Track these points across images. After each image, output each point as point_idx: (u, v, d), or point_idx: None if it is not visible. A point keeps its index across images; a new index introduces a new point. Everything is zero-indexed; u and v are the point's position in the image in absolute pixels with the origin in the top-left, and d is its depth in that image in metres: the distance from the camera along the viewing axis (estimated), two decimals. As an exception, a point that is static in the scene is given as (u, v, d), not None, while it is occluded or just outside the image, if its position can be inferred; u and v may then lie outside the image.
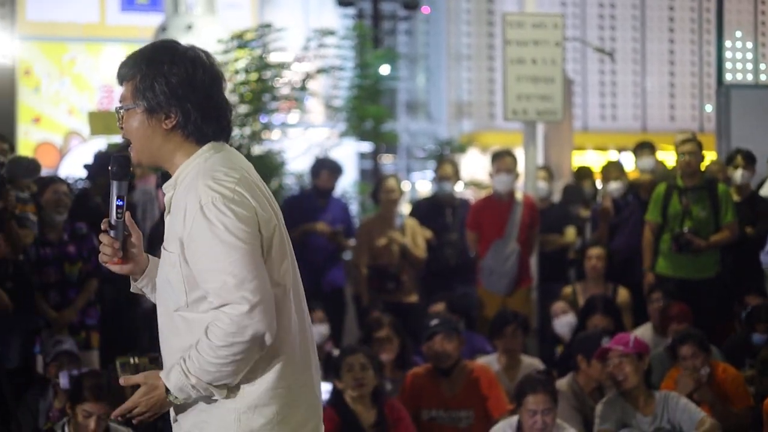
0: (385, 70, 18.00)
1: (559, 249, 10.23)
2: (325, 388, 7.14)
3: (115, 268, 3.37)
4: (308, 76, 14.82)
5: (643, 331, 8.18)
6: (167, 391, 3.14)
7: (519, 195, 9.41)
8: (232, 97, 14.48)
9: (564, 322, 8.50)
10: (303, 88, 14.90)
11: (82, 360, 6.82)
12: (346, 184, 16.56)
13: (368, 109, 16.03)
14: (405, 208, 11.68)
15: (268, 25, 14.91)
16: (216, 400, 3.14)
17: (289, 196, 13.11)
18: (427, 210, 9.95)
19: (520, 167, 9.61)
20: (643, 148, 10.62)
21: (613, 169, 9.97)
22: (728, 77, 13.67)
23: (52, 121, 22.57)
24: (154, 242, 3.78)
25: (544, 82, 10.04)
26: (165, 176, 3.36)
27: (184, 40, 11.95)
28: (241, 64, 14.68)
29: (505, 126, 18.77)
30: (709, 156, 10.25)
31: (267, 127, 15.03)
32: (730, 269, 8.90)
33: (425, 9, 27.45)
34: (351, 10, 23.83)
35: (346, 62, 16.00)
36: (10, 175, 6.69)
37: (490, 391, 6.94)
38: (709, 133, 19.60)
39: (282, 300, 3.16)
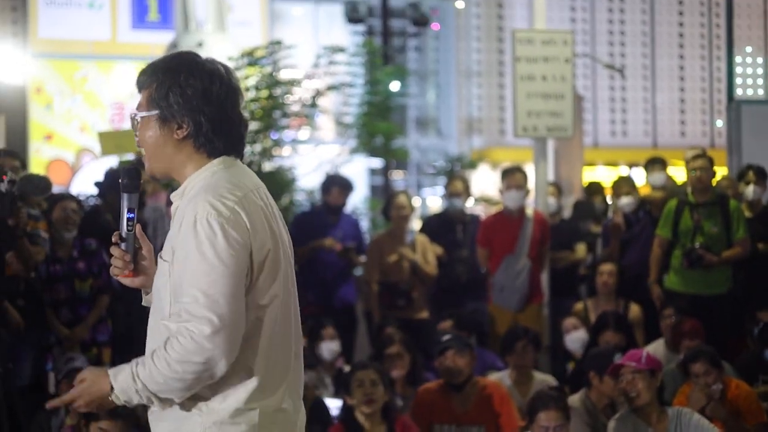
0: (395, 86, 18.00)
1: (570, 265, 10.21)
2: (336, 404, 7.15)
3: (126, 281, 3.37)
4: (318, 93, 14.84)
5: (656, 348, 8.15)
6: (112, 389, 3.11)
7: (530, 211, 9.41)
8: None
9: (575, 338, 8.49)
10: (313, 105, 14.91)
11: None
12: (357, 200, 16.55)
13: (378, 126, 16.03)
14: (416, 225, 11.66)
15: (279, 42, 14.94)
16: (186, 413, 3.12)
17: (300, 212, 13.11)
18: (438, 226, 9.95)
19: (531, 183, 9.61)
20: (654, 163, 10.61)
21: (624, 185, 9.96)
22: (739, 92, 13.67)
23: (63, 139, 22.62)
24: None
25: (554, 99, 10.04)
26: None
27: (195, 57, 11.74)
28: (252, 82, 14.71)
29: (516, 142, 18.77)
30: (720, 172, 10.24)
31: (277, 143, 15.05)
32: (742, 285, 8.88)
33: (435, 26, 27.48)
34: (361, 27, 23.86)
35: (356, 79, 16.01)
36: (21, 192, 6.70)
37: (502, 407, 6.93)
38: (719, 149, 19.60)
39: (264, 323, 3.14)
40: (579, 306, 9.22)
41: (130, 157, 9.87)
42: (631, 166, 24.30)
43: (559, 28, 20.63)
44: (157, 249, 3.30)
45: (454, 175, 12.35)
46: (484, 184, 23.18)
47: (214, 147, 3.22)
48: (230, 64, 13.21)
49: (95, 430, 5.58)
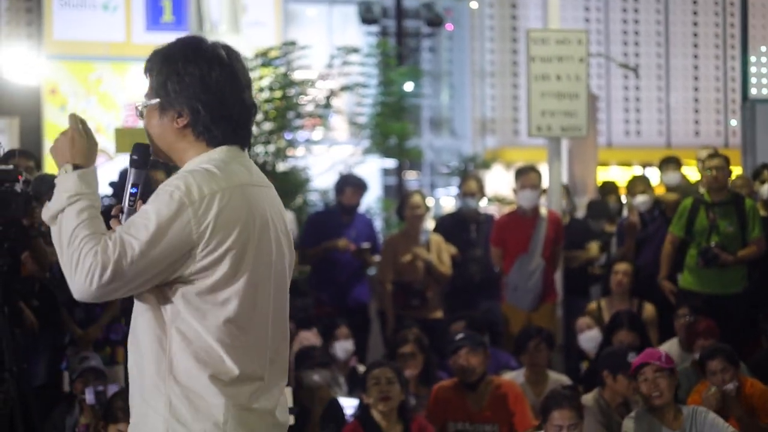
0: (409, 87, 18.01)
1: (583, 264, 10.20)
2: (350, 403, 7.17)
3: None
4: (332, 94, 14.86)
5: (669, 347, 8.14)
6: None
7: (543, 210, 9.40)
8: (257, 115, 14.55)
9: (589, 338, 8.48)
10: (327, 106, 14.94)
11: (108, 375, 6.84)
12: (370, 200, 16.56)
13: (392, 126, 16.04)
14: (430, 224, 11.66)
15: (293, 43, 14.97)
16: (153, 407, 3.11)
17: (314, 212, 13.14)
18: (452, 226, 9.95)
19: (545, 183, 9.60)
20: (669, 163, 10.60)
21: (639, 184, 9.93)
22: (753, 92, 13.64)
23: (78, 140, 22.66)
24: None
25: (568, 98, 10.02)
26: None
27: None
28: (266, 82, 14.73)
29: (529, 142, 18.75)
30: (735, 171, 10.22)
31: (291, 144, 15.08)
32: (757, 284, 8.86)
33: (449, 26, 27.47)
34: (375, 28, 23.89)
35: (370, 79, 16.02)
36: (35, 192, 6.72)
37: (516, 406, 6.94)
38: (734, 148, 19.56)
39: (221, 317, 3.08)
40: (593, 305, 9.21)
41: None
42: (644, 165, 24.27)
43: (574, 28, 20.61)
44: None
45: (468, 174, 12.34)
46: (498, 184, 23.16)
47: (213, 136, 3.17)
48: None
49: (114, 432, 5.59)
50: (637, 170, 24.05)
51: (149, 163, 3.29)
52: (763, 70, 13.90)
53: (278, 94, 14.63)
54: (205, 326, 3.06)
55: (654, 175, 11.47)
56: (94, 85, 22.45)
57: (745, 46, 14.21)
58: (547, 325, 8.82)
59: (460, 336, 7.17)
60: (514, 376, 7.62)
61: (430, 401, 7.08)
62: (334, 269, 9.74)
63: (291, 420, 5.76)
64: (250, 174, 3.19)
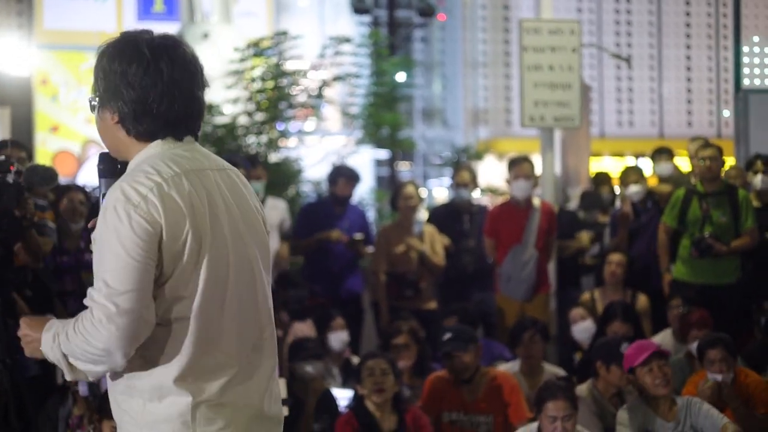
0: (401, 77, 17.97)
1: (575, 254, 10.20)
2: (343, 395, 7.17)
3: None
4: (324, 84, 14.82)
5: (663, 338, 8.15)
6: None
7: (536, 201, 9.39)
8: (248, 106, 14.53)
9: (582, 329, 8.48)
10: (319, 96, 14.90)
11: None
12: (363, 191, 16.53)
13: (384, 117, 16.00)
14: (423, 215, 11.65)
15: (285, 33, 14.92)
16: (126, 410, 3.09)
17: (307, 203, 13.11)
18: (444, 216, 9.93)
19: (538, 173, 9.59)
20: (661, 153, 10.60)
21: (632, 174, 9.93)
22: (746, 82, 13.63)
23: (69, 130, 22.64)
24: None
25: (561, 89, 10.02)
26: None
27: (200, 48, 12.02)
28: (258, 72, 14.69)
29: (522, 132, 18.76)
30: (728, 162, 10.22)
31: (284, 134, 15.04)
32: (750, 275, 8.86)
33: (441, 16, 27.45)
34: (366, 18, 23.84)
35: (362, 70, 15.98)
36: (27, 183, 6.70)
37: (511, 397, 6.94)
38: (726, 139, 19.57)
39: (187, 313, 3.03)
40: (586, 296, 9.22)
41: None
42: (637, 156, 24.29)
43: (566, 18, 20.60)
44: None
45: (461, 165, 12.33)
46: (491, 174, 23.16)
47: (140, 132, 3.12)
48: (236, 55, 13.22)
49: (108, 428, 5.57)
50: (629, 161, 24.07)
51: (118, 171, 3.23)
52: (756, 60, 13.89)
53: (270, 84, 14.59)
54: (167, 322, 3.02)
55: (646, 165, 11.46)
56: (85, 75, 22.43)
57: (738, 36, 14.20)
58: (540, 315, 8.82)
59: (448, 336, 7.11)
60: (509, 368, 7.61)
61: (424, 392, 7.08)
62: (327, 260, 9.73)
63: (285, 411, 5.77)
64: (194, 160, 3.13)
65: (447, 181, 20.61)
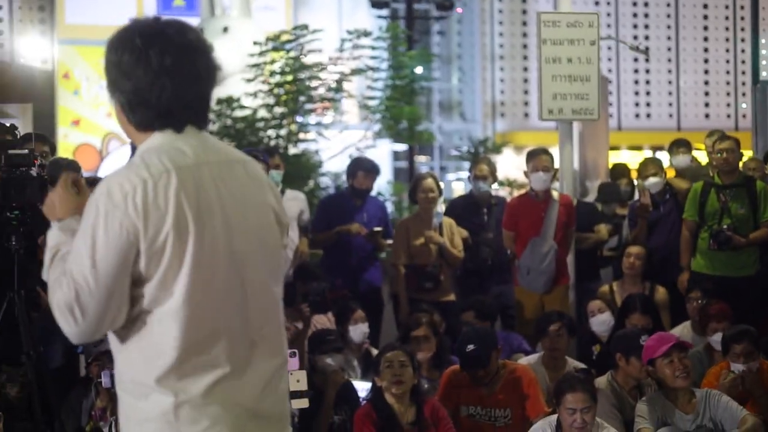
0: (419, 70, 17.99)
1: (593, 247, 10.20)
2: (363, 387, 7.20)
3: None
4: (343, 77, 14.87)
5: (682, 330, 8.17)
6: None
7: (555, 193, 9.39)
8: (268, 99, 14.58)
9: (600, 321, 8.48)
10: (338, 89, 14.95)
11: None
12: (381, 183, 16.58)
13: (403, 110, 16.03)
14: (441, 208, 11.68)
15: (304, 27, 14.97)
16: (123, 408, 3.09)
17: (326, 196, 13.16)
18: (463, 209, 9.94)
19: (556, 166, 9.59)
20: (679, 146, 10.60)
21: (650, 165, 9.94)
22: (764, 74, 13.61)
23: (91, 124, 22.74)
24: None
25: (579, 81, 10.00)
26: None
27: (220, 42, 12.08)
28: (277, 66, 14.75)
29: (540, 125, 18.72)
30: (746, 155, 10.22)
31: (303, 127, 15.10)
32: (768, 267, 8.87)
33: (459, 9, 27.43)
34: (385, 11, 23.86)
35: (380, 63, 16.01)
36: (50, 176, 6.76)
37: (529, 390, 6.94)
38: (744, 131, 19.51)
39: (170, 310, 2.96)
40: (604, 288, 9.22)
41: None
42: (655, 149, 24.24)
43: (584, 11, 20.57)
44: None
45: (480, 158, 12.37)
46: (508, 167, 23.16)
47: (138, 122, 3.07)
48: (255, 49, 13.26)
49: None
50: (647, 153, 24.02)
51: None
52: (774, 52, 13.87)
53: (289, 78, 14.66)
54: (151, 321, 2.98)
55: (664, 158, 11.45)
56: (106, 70, 22.49)
57: (756, 28, 14.17)
58: (559, 308, 8.83)
59: (470, 348, 6.97)
60: (530, 360, 7.63)
61: (441, 386, 7.09)
62: (347, 253, 9.76)
63: (305, 404, 5.82)
64: (189, 154, 3.04)
65: (464, 174, 20.60)
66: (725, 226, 8.61)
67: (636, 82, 27.64)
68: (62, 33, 21.57)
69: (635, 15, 27.56)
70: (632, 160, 19.80)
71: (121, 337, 3.05)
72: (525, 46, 26.98)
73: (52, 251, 3.08)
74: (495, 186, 10.35)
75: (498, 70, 27.45)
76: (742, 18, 27.01)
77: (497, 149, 23.45)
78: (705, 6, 27.73)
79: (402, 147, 22.87)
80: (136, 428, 3.04)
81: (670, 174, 10.53)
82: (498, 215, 9.67)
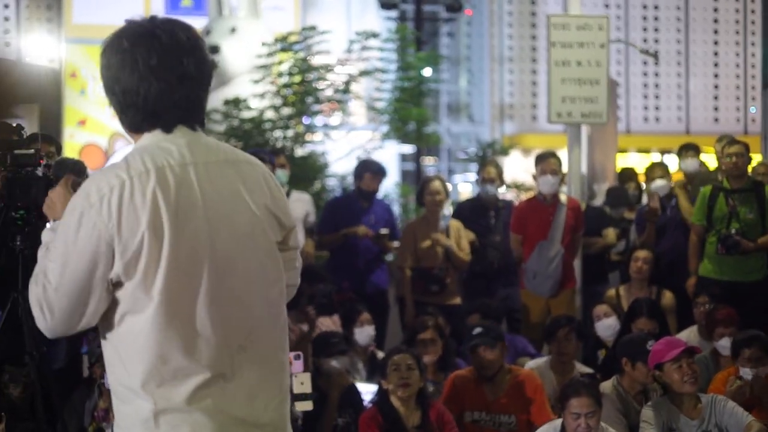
0: (427, 72, 17.97)
1: (601, 251, 10.18)
2: (368, 389, 7.18)
3: None
4: (351, 79, 14.85)
5: (688, 335, 8.13)
6: None
7: (563, 197, 9.37)
8: (275, 100, 14.57)
9: (606, 326, 8.43)
10: (346, 91, 14.94)
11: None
12: (388, 186, 16.56)
13: (410, 111, 16.01)
14: (449, 210, 11.66)
15: (313, 28, 14.97)
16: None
17: (333, 197, 13.15)
18: (470, 212, 9.93)
19: (565, 170, 9.57)
20: (687, 149, 10.56)
21: (657, 169, 9.92)
22: (774, 79, 13.57)
23: (97, 123, 22.75)
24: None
25: (588, 85, 9.99)
26: None
27: (228, 42, 12.06)
28: (285, 67, 14.74)
29: (548, 128, 18.71)
30: (755, 159, 10.18)
31: (310, 129, 15.09)
32: (777, 272, 8.84)
33: (468, 11, 27.42)
34: (393, 13, 23.86)
35: (388, 64, 16.00)
36: (55, 176, 6.75)
37: (534, 396, 6.92)
38: (753, 135, 19.53)
39: (149, 316, 2.91)
40: (611, 292, 9.20)
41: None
42: (663, 152, 24.19)
43: (594, 14, 20.54)
44: None
45: (488, 161, 12.34)
46: (516, 170, 23.15)
47: (129, 123, 3.04)
48: (263, 50, 13.26)
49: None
50: (655, 157, 23.98)
51: None
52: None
53: (297, 79, 14.65)
54: (129, 325, 2.94)
55: (673, 161, 11.42)
56: (113, 69, 22.51)
57: (766, 32, 14.15)
58: (566, 311, 8.81)
59: (477, 331, 7.14)
60: (538, 363, 7.61)
61: (446, 391, 7.07)
62: (353, 255, 9.75)
63: (309, 406, 5.78)
64: (176, 154, 2.98)
65: (472, 176, 20.59)
66: (733, 231, 8.58)
67: (645, 85, 27.62)
68: (69, 32, 21.60)
69: (645, 18, 27.53)
70: (641, 163, 19.79)
71: (107, 341, 3.00)
72: (534, 49, 26.96)
73: (43, 249, 3.05)
74: (502, 189, 10.32)
75: (506, 72, 27.43)
76: (753, 22, 26.97)
77: (505, 151, 23.43)
78: (715, 10, 27.69)
79: (409, 149, 22.84)
80: None
81: (678, 178, 10.50)
82: (505, 218, 9.65)
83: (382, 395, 6.57)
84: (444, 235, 9.35)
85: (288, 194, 9.55)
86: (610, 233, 10.18)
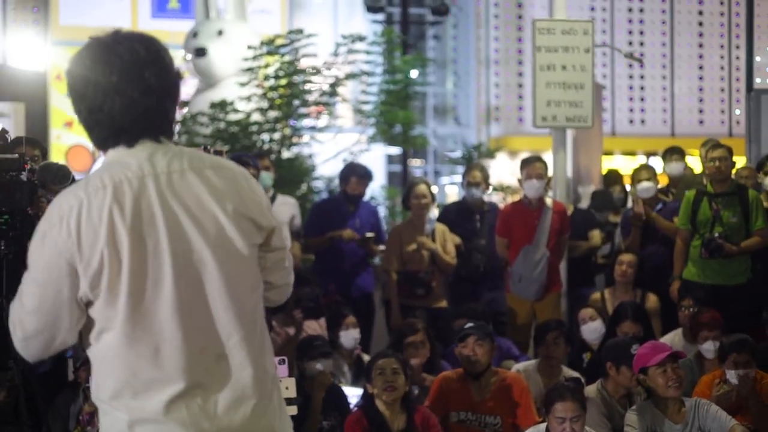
0: (414, 74, 17.97)
1: (586, 254, 10.20)
2: (354, 393, 7.19)
3: None
4: (338, 82, 14.85)
5: (673, 338, 8.16)
6: None
7: (549, 201, 9.39)
8: (262, 103, 14.56)
9: (591, 329, 8.45)
10: (333, 94, 14.94)
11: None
12: (374, 188, 16.56)
13: (397, 114, 16.01)
14: (434, 213, 11.68)
15: (300, 31, 14.97)
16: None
17: (319, 200, 13.15)
18: (456, 215, 9.94)
19: (551, 174, 9.59)
20: (672, 153, 10.59)
21: (643, 172, 9.95)
22: (758, 82, 13.63)
23: (83, 125, 22.72)
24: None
25: (573, 89, 10.00)
26: None
27: (215, 45, 12.06)
28: (271, 70, 14.74)
29: (534, 131, 18.65)
30: (739, 161, 10.22)
31: (296, 131, 15.08)
32: (761, 276, 8.86)
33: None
34: (380, 16, 23.84)
35: (375, 67, 16.00)
36: (40, 181, 6.73)
37: (520, 399, 6.94)
38: (737, 138, 19.54)
39: (116, 330, 2.94)
40: (596, 296, 9.22)
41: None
42: (649, 155, 24.25)
43: (579, 18, 20.57)
44: None
45: (473, 164, 12.35)
46: (502, 172, 23.17)
47: (96, 141, 3.07)
48: (250, 53, 13.27)
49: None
50: (641, 159, 24.04)
51: None
52: (768, 60, 13.89)
53: (283, 81, 14.65)
54: (107, 339, 2.97)
55: (658, 164, 11.46)
56: (100, 71, 22.45)
57: (750, 36, 14.19)
58: (551, 315, 8.84)
59: (468, 325, 7.17)
60: (526, 366, 7.63)
61: (432, 391, 7.08)
62: (339, 258, 9.76)
63: (294, 410, 5.78)
64: (135, 168, 2.98)
65: (458, 178, 20.57)
66: (717, 234, 8.61)
67: (630, 87, 27.67)
68: (56, 34, 21.54)
69: (630, 21, 27.58)
70: (626, 165, 19.84)
71: (90, 356, 3.04)
72: (520, 51, 26.98)
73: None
74: (488, 192, 10.34)
75: (493, 74, 27.45)
76: (737, 25, 27.03)
77: (491, 154, 23.42)
78: (700, 13, 27.76)
79: (396, 151, 22.84)
80: None
81: (663, 180, 10.53)
82: (490, 222, 9.67)
83: (367, 399, 6.58)
84: (430, 239, 9.37)
85: (273, 198, 9.55)
86: (596, 235, 10.21)
